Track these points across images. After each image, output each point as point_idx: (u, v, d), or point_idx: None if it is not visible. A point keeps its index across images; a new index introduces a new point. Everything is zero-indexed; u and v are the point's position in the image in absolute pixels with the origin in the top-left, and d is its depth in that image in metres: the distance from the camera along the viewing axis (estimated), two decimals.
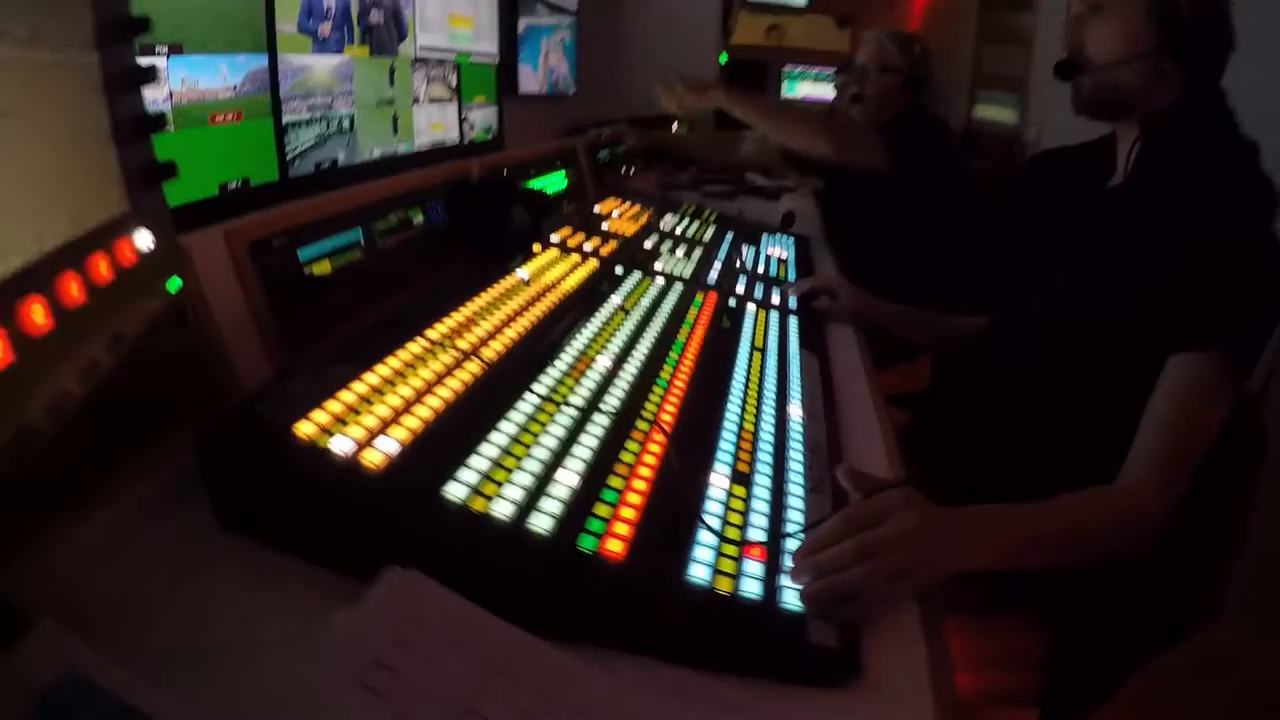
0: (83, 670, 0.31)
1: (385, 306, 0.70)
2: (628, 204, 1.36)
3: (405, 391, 0.53)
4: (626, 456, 0.53)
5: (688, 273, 1.01)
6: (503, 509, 0.44)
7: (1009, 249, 1.11)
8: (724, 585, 0.44)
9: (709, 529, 0.48)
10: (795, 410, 0.67)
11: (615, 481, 0.50)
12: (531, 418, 0.54)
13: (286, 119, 0.79)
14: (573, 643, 0.39)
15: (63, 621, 0.33)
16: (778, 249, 1.25)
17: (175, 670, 0.37)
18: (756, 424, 0.63)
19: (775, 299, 0.98)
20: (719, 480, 0.53)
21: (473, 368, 0.59)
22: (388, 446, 0.46)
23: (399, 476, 0.45)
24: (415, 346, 0.59)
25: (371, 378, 0.53)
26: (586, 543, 0.44)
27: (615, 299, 0.82)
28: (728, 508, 0.51)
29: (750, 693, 0.40)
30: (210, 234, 0.58)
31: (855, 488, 0.54)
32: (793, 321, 0.90)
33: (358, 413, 0.49)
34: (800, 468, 0.58)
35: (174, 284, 0.45)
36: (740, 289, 0.99)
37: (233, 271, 0.58)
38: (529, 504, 0.45)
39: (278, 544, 0.45)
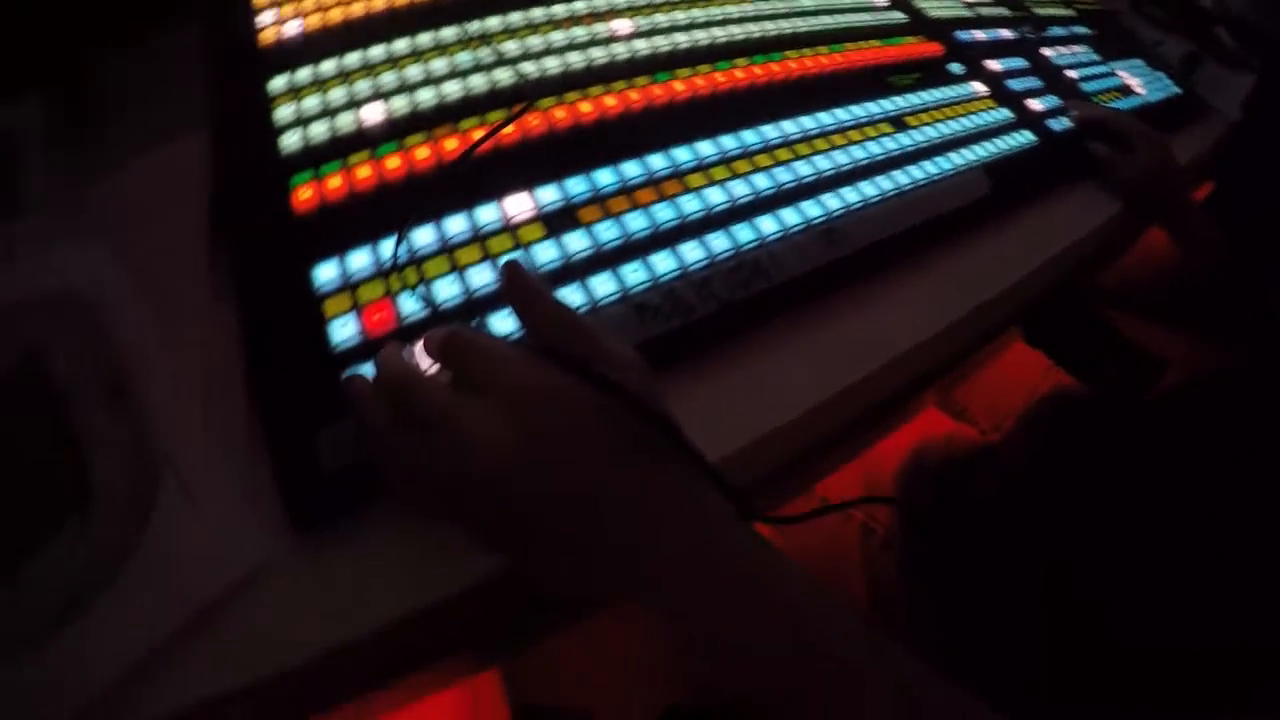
0: None
1: None
2: None
3: None
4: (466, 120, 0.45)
5: (933, 7, 0.72)
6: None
7: None
8: (332, 307, 0.38)
9: (397, 243, 0.40)
10: (795, 215, 0.47)
11: (414, 139, 0.43)
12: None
13: None
14: None
15: None
16: (1137, 80, 0.84)
17: None
18: (703, 199, 0.45)
19: (1037, 104, 0.67)
20: (517, 206, 0.42)
21: None
22: None
23: None
24: None
25: None
26: (300, 178, 0.41)
27: None
28: (480, 241, 0.41)
29: None
30: None
31: (531, 318, 0.33)
32: (1015, 140, 0.61)
33: None
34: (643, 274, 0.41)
35: None
36: (994, 64, 0.68)
37: None
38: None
39: None
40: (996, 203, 0.56)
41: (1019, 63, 0.71)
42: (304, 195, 0.42)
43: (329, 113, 0.47)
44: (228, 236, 0.43)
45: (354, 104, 0.47)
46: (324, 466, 0.34)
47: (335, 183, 0.43)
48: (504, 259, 0.40)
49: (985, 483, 0.63)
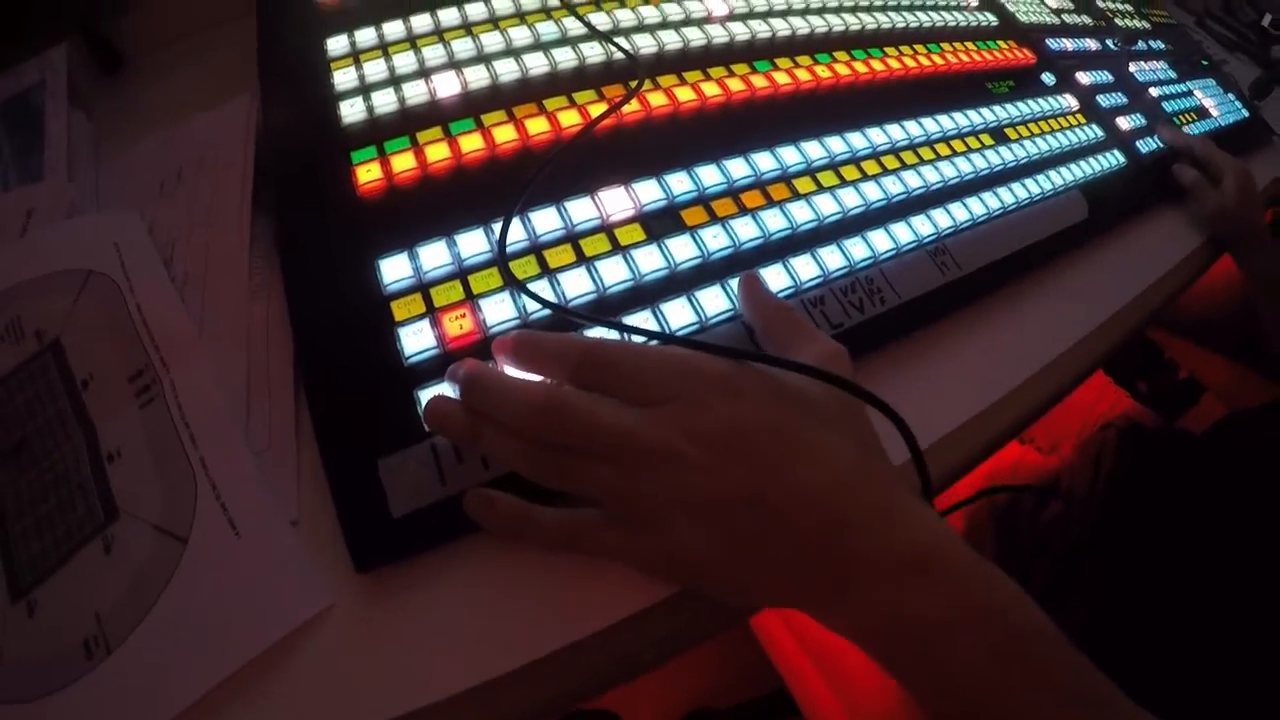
0: None
1: None
2: None
3: None
4: (553, 99, 0.41)
5: (1021, 14, 0.68)
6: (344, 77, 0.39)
7: None
8: (402, 312, 0.33)
9: (497, 233, 0.35)
10: (907, 231, 0.43)
11: (494, 117, 0.39)
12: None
13: None
14: None
15: None
16: (1212, 100, 0.81)
17: None
18: (786, 212, 0.41)
19: (1125, 122, 0.64)
20: (614, 203, 0.38)
21: None
22: None
23: None
24: None
25: None
26: (362, 154, 0.36)
27: None
28: (576, 243, 0.36)
29: None
30: None
31: (752, 307, 0.33)
32: (1108, 161, 0.59)
33: None
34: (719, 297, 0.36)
35: None
36: (1084, 77, 0.65)
37: None
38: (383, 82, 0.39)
39: None
40: (1094, 226, 0.53)
41: (1106, 76, 0.68)
42: (368, 176, 0.37)
43: (395, 80, 0.42)
44: (278, 214, 0.38)
45: (424, 73, 0.42)
46: (394, 507, 0.29)
47: (405, 163, 0.38)
48: (600, 262, 0.36)
49: (1049, 517, 0.62)
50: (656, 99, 0.43)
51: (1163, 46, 0.81)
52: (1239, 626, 0.46)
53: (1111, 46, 0.73)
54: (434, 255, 0.35)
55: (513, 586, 0.29)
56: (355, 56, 0.43)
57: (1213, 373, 0.91)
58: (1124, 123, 0.64)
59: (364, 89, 0.41)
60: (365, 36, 0.44)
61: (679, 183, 0.40)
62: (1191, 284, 0.63)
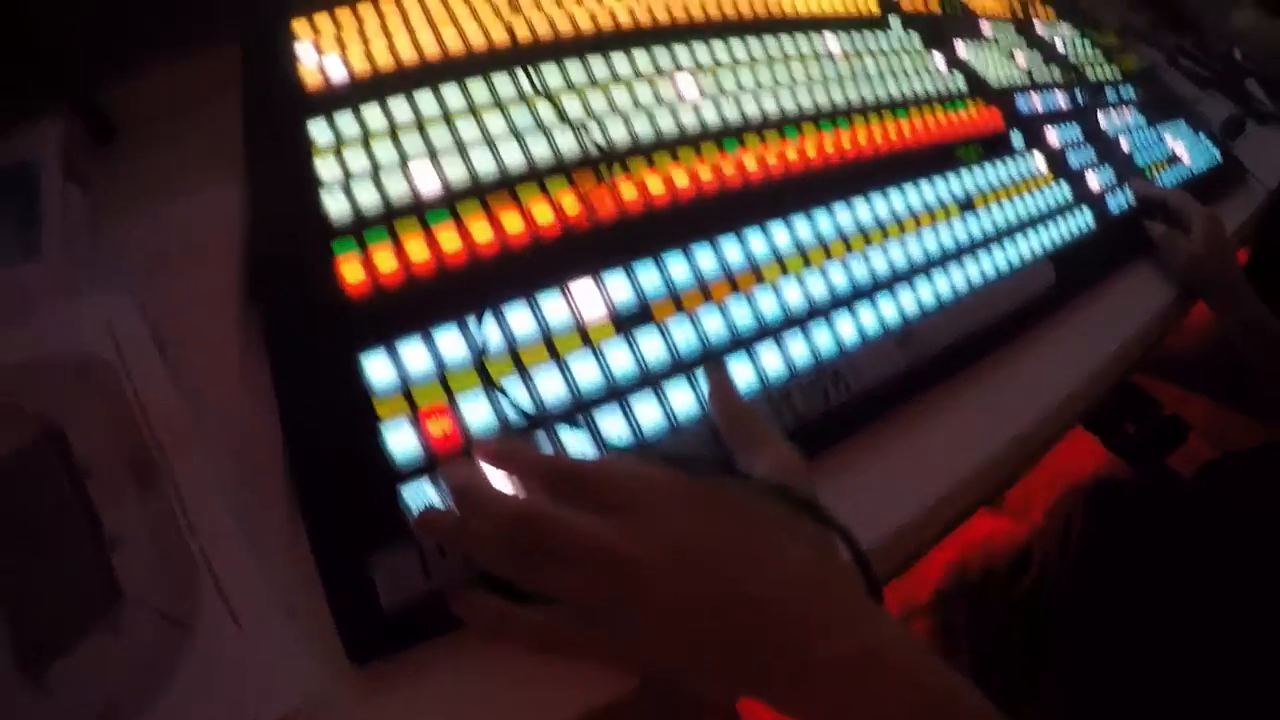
0: None
1: None
2: None
3: None
4: (526, 189, 0.42)
5: (991, 74, 0.70)
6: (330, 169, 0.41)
7: None
8: (386, 411, 0.34)
9: (471, 334, 0.37)
10: (872, 315, 0.45)
11: (468, 208, 0.40)
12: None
13: None
14: None
15: None
16: (1181, 144, 0.83)
17: None
18: (778, 292, 0.43)
19: (1095, 181, 0.65)
20: (585, 296, 0.40)
21: None
22: None
23: None
24: None
25: None
26: (343, 245, 0.38)
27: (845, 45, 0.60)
28: (550, 343, 0.38)
29: None
30: None
31: (716, 405, 0.36)
32: (1077, 223, 0.60)
33: None
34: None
35: None
36: (1052, 135, 0.67)
37: None
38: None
39: None
40: (1062, 292, 0.54)
41: (1076, 133, 0.70)
42: (350, 269, 0.38)
43: (375, 172, 0.43)
44: (264, 307, 0.40)
45: (403, 163, 0.43)
46: (385, 602, 0.31)
47: (385, 258, 0.39)
48: (572, 359, 0.37)
49: (1022, 590, 0.62)
50: (628, 191, 0.45)
51: (1133, 95, 0.83)
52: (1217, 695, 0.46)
53: (1081, 102, 0.75)
54: (414, 354, 0.36)
55: (505, 677, 0.31)
56: (337, 147, 0.44)
57: (1196, 412, 0.92)
58: (1094, 180, 0.66)
59: (345, 178, 0.42)
60: (346, 122, 0.45)
61: (648, 278, 0.41)
62: (1167, 335, 0.64)
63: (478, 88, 0.48)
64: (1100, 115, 0.74)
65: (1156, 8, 1.28)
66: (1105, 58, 0.86)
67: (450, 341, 0.37)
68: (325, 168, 0.43)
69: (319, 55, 0.49)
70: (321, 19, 0.51)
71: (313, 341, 0.37)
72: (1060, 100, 0.73)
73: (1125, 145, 0.73)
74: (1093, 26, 0.92)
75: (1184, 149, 0.80)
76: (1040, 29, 0.85)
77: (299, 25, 0.50)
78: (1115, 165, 0.69)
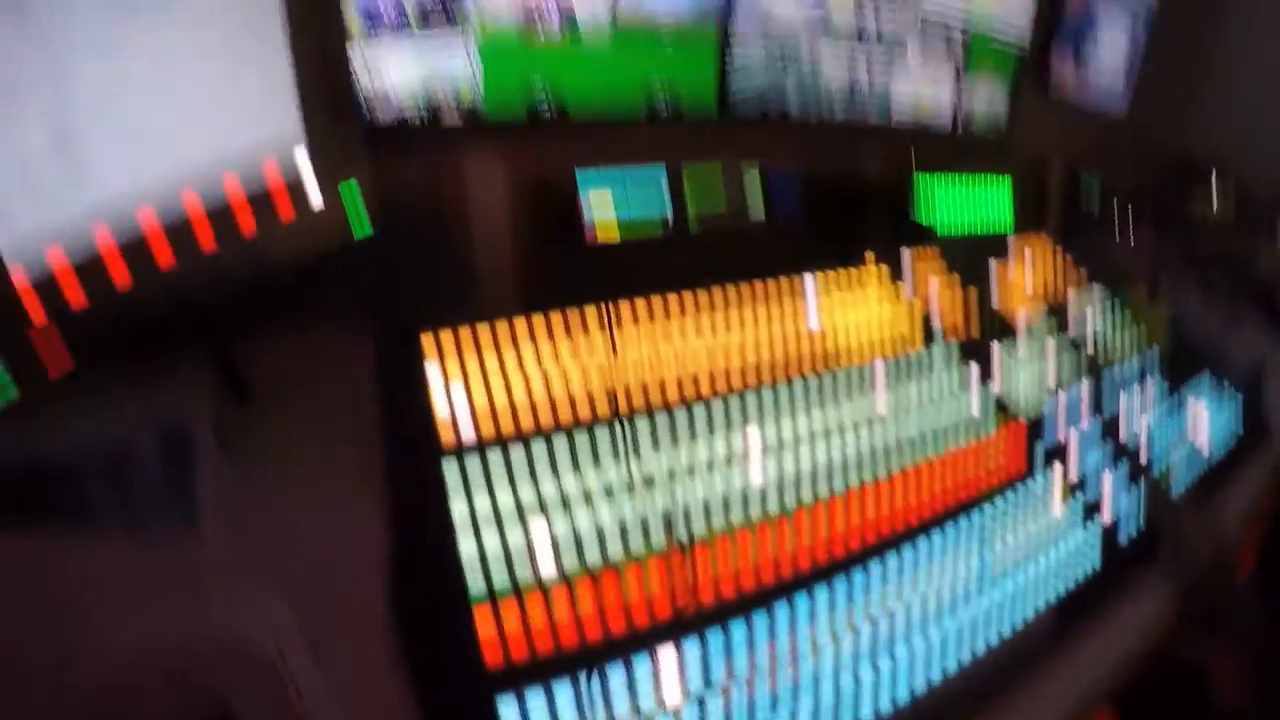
0: None
1: None
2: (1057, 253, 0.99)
3: None
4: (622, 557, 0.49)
5: (1020, 387, 0.78)
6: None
7: None
8: None
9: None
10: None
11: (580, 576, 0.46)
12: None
13: None
14: None
15: None
16: (1203, 409, 0.90)
17: None
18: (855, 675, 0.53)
19: (1108, 512, 0.74)
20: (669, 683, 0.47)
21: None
22: None
23: None
24: None
25: None
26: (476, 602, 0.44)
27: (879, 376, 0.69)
28: None
29: None
30: None
31: None
32: (1087, 560, 0.70)
33: None
34: None
35: None
36: (1073, 464, 0.75)
37: None
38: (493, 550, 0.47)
39: None
40: (1062, 635, 0.64)
41: (1095, 456, 0.77)
42: (488, 638, 0.46)
43: (506, 544, 0.49)
44: (411, 658, 0.47)
45: (528, 539, 0.50)
46: None
47: (514, 626, 0.47)
48: None
49: None
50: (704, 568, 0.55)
51: (1156, 363, 0.90)
52: None
53: (1106, 418, 0.82)
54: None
55: None
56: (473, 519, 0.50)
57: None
58: (1107, 513, 0.74)
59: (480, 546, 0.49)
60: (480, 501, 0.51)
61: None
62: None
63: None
64: (1120, 417, 0.82)
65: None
66: (1133, 318, 0.93)
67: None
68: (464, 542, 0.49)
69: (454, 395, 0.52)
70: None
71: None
72: (1084, 414, 0.80)
73: (1144, 457, 0.80)
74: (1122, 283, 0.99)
75: (1205, 418, 0.88)
76: (1072, 303, 0.93)
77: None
78: (1134, 478, 0.77)
